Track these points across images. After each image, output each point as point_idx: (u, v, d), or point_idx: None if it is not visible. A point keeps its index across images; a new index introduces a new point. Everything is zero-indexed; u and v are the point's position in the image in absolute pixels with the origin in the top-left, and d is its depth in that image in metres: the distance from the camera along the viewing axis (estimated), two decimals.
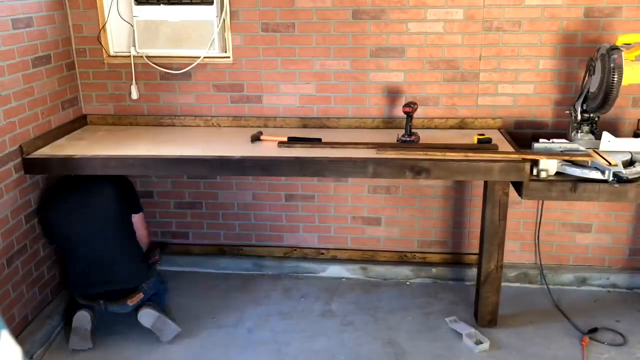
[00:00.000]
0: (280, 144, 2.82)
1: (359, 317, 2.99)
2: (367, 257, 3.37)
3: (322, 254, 3.40)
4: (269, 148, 2.80)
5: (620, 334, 2.81)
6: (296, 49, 3.05)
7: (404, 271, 3.34)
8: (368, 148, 2.74)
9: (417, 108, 2.80)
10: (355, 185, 3.26)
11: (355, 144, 2.78)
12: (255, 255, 3.44)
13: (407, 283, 3.32)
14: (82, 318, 2.75)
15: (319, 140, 2.84)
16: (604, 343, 2.74)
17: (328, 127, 3.13)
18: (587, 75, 2.76)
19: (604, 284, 3.22)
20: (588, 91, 2.72)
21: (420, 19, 2.94)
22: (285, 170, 2.71)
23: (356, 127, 3.12)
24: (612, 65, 2.54)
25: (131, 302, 2.81)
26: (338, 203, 3.31)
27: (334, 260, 3.40)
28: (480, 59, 2.97)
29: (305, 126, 3.14)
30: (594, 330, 2.83)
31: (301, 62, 3.07)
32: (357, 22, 2.97)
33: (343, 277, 3.37)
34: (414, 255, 3.34)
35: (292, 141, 2.84)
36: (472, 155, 2.60)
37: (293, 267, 3.41)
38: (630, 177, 2.48)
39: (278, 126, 3.15)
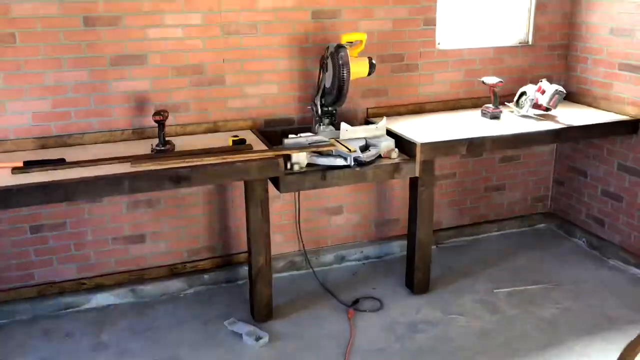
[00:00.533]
0: (15, 170, 2.47)
1: (135, 343, 2.81)
2: (135, 278, 3.18)
3: (84, 284, 3.10)
4: (0, 176, 2.43)
5: (378, 299, 3.15)
6: (21, 62, 2.70)
7: (177, 284, 3.23)
8: (121, 162, 2.57)
9: (167, 115, 2.73)
10: (111, 205, 3.04)
11: (106, 160, 2.59)
12: (1, 302, 2.98)
13: (181, 295, 3.23)
14: None
15: (63, 160, 2.57)
16: (365, 311, 3.05)
17: (71, 145, 2.85)
18: (321, 73, 3.01)
19: (359, 257, 3.58)
20: (324, 87, 2.98)
21: (159, 25, 2.86)
22: (25, 200, 2.38)
23: (104, 142, 2.90)
24: (340, 62, 2.82)
25: None
26: (95, 226, 3.05)
27: (99, 288, 3.12)
28: (224, 62, 3.02)
29: (43, 147, 2.81)
30: (356, 301, 3.12)
31: (29, 76, 2.74)
32: (91, 30, 2.76)
33: (111, 304, 3.12)
34: (185, 266, 3.27)
35: (30, 166, 2.51)
36: (229, 158, 2.64)
37: (51, 306, 3.04)
38: (367, 160, 2.79)
39: (10, 150, 2.75)
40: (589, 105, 3.59)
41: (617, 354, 1.66)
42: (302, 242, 3.42)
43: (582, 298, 3.13)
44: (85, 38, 2.77)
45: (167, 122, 2.74)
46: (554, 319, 2.95)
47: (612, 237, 3.55)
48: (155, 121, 2.70)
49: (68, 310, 3.06)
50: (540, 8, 3.59)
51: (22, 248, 2.96)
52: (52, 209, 2.94)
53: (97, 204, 3.02)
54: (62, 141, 2.85)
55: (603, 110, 3.48)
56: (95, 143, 2.89)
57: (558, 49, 3.71)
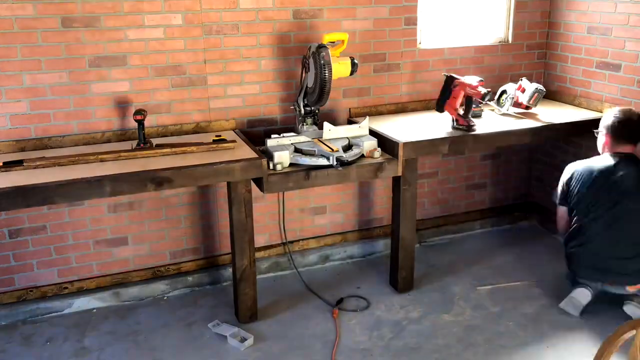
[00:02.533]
0: None
1: (117, 346, 2.78)
2: (117, 281, 3.15)
3: (66, 288, 3.06)
4: None
5: (363, 298, 3.16)
6: None
7: (160, 286, 3.21)
8: (100, 161, 2.57)
9: (147, 114, 2.71)
10: (93, 207, 3.01)
11: (81, 156, 2.59)
12: None
13: (165, 298, 3.20)
14: (582, 295, 2.94)
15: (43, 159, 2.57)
16: (352, 310, 3.05)
17: (51, 147, 2.81)
18: (303, 72, 3.01)
19: (343, 257, 3.59)
20: (306, 87, 2.98)
21: (139, 25, 2.83)
22: (4, 203, 2.35)
23: (85, 144, 2.87)
24: (322, 62, 2.82)
25: (631, 288, 2.86)
26: (76, 229, 3.01)
27: (81, 292, 3.09)
28: (205, 63, 3.01)
29: (22, 149, 2.77)
30: (341, 300, 3.13)
31: (6, 78, 2.70)
32: (69, 31, 2.73)
33: (94, 308, 3.09)
34: (168, 268, 3.24)
35: (9, 165, 2.49)
36: (214, 147, 2.68)
37: (31, 311, 2.99)
38: (350, 159, 2.79)
39: None
40: (569, 103, 3.63)
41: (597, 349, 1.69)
42: (286, 242, 3.42)
43: (563, 294, 3.16)
44: (64, 39, 2.74)
45: (149, 124, 2.73)
46: (536, 315, 2.98)
47: None
48: (136, 120, 2.68)
49: (49, 315, 3.03)
50: (519, 7, 3.63)
51: (2, 253, 2.92)
52: (31, 212, 2.90)
53: (78, 207, 2.98)
54: (42, 144, 2.81)
55: (582, 108, 3.52)
56: (76, 145, 2.86)
57: (537, 48, 3.75)
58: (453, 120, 3.11)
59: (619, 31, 3.26)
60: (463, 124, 3.07)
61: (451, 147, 3.02)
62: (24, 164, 2.53)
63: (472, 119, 3.10)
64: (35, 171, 2.50)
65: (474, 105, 3.31)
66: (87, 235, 3.05)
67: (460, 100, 3.07)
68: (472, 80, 3.03)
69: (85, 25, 2.76)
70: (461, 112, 3.09)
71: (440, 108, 3.17)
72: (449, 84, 3.10)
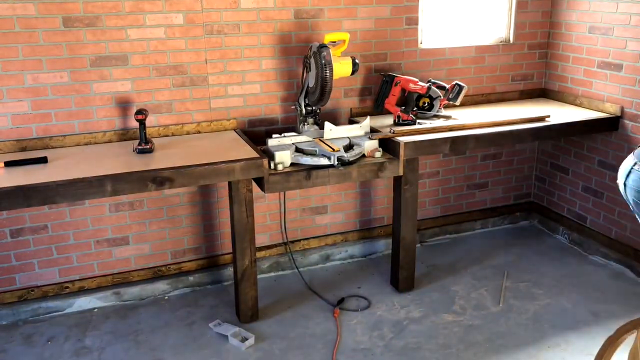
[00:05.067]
0: None
1: (118, 346, 2.78)
2: (118, 281, 3.15)
3: (67, 287, 3.07)
4: None
5: (364, 298, 3.16)
6: None
7: (161, 286, 3.21)
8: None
9: (148, 114, 2.72)
10: (94, 207, 3.01)
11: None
12: None
13: (166, 297, 3.21)
14: None
15: (45, 159, 2.57)
16: (353, 310, 3.05)
17: (52, 147, 2.82)
18: (304, 72, 3.01)
19: (344, 256, 3.59)
20: (308, 86, 2.98)
21: (140, 25, 2.83)
22: (5, 203, 2.35)
23: (86, 144, 2.87)
24: (323, 62, 2.82)
25: None
26: (77, 229, 3.01)
27: (82, 291, 3.09)
28: (206, 63, 3.01)
29: (24, 149, 2.77)
30: (342, 300, 3.13)
31: (7, 78, 2.70)
32: (70, 31, 2.73)
33: (95, 308, 3.09)
34: (169, 268, 3.24)
35: (11, 165, 2.49)
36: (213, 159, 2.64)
37: (33, 310, 3.00)
38: (351, 159, 2.79)
39: None
40: (570, 103, 3.63)
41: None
42: (287, 242, 3.42)
43: (565, 294, 3.17)
44: (65, 39, 2.74)
45: (150, 123, 2.73)
46: (537, 315, 2.98)
47: (593, 233, 3.60)
48: (137, 120, 2.68)
49: (50, 315, 3.03)
50: (520, 7, 3.62)
51: (3, 252, 2.92)
52: (33, 212, 2.91)
53: (79, 207, 2.99)
54: (43, 143, 2.82)
55: (584, 108, 3.52)
56: (78, 145, 2.86)
57: (538, 48, 3.75)
58: (397, 117, 3.16)
59: (621, 31, 3.25)
60: (408, 119, 3.14)
61: (452, 146, 3.02)
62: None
63: (411, 115, 3.17)
64: (37, 171, 2.51)
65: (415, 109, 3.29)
66: (88, 234, 3.05)
67: (398, 97, 3.24)
68: (412, 79, 3.22)
69: (87, 25, 2.76)
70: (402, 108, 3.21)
71: (379, 107, 3.30)
72: (390, 83, 3.24)
